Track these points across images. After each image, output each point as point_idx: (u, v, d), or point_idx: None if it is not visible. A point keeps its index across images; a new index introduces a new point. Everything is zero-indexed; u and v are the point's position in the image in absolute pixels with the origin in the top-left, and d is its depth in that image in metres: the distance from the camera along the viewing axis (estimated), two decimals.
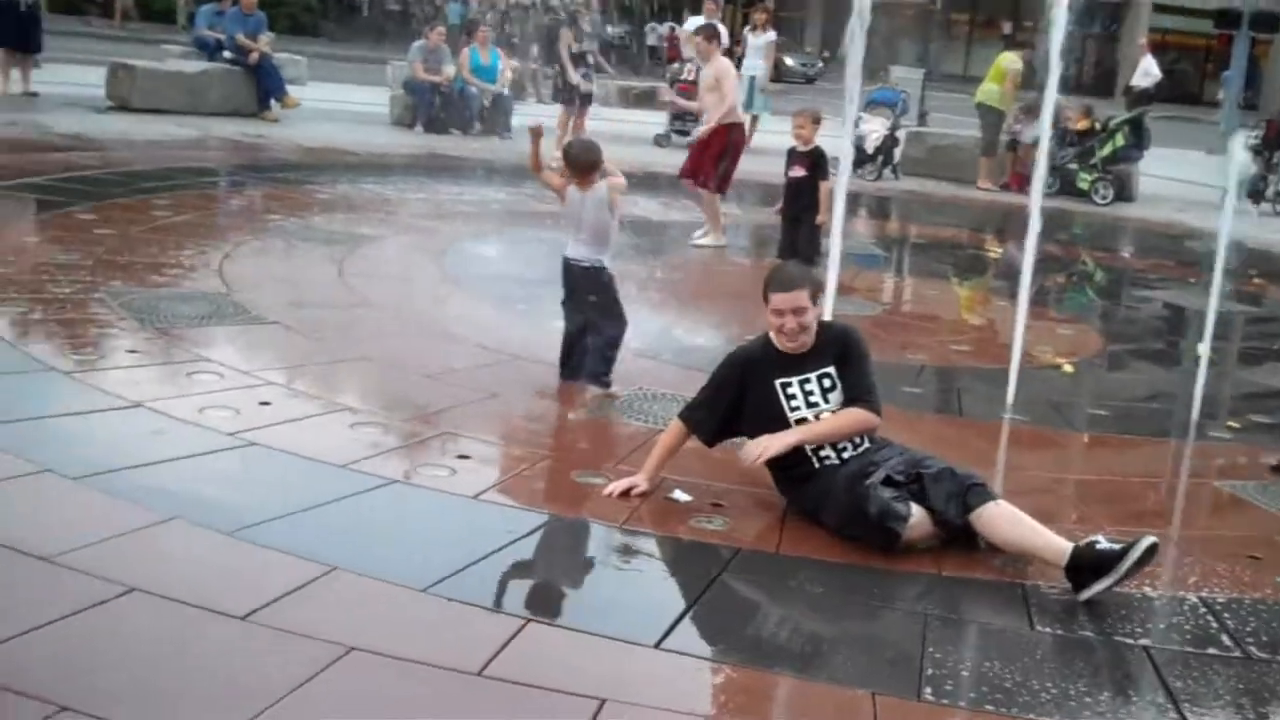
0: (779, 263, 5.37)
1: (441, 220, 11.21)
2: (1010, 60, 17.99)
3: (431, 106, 18.01)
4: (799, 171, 9.47)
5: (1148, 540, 4.49)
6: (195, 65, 17.37)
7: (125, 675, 3.44)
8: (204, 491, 4.73)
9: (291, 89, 17.94)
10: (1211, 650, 4.25)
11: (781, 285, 5.11)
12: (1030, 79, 17.77)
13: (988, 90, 18.00)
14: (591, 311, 6.56)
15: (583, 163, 6.52)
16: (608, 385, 6.53)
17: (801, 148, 9.51)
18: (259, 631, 3.73)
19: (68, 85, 17.15)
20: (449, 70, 18.14)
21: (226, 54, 17.29)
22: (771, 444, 5.02)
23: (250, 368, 6.38)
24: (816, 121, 9.60)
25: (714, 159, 11.29)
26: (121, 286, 7.62)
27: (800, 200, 9.46)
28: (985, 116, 17.97)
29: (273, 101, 17.44)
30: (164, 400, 5.68)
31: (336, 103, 19.09)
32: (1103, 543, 4.54)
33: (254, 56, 17.17)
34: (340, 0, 41.09)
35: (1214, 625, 4.45)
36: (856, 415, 5.10)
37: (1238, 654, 4.23)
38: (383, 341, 7.23)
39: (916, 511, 4.76)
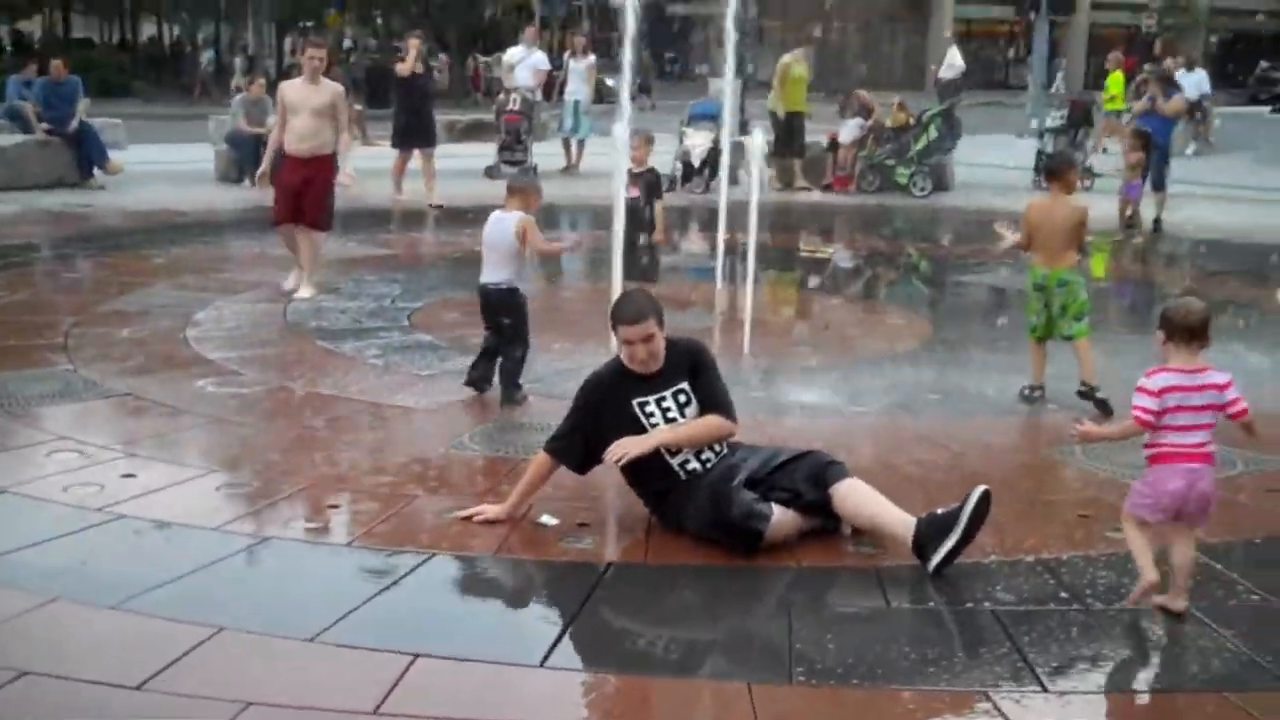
0: (622, 292, 5.58)
1: (279, 274, 11.22)
2: (783, 64, 18.64)
3: (257, 159, 17.84)
4: (634, 193, 9.67)
5: (979, 490, 4.88)
6: (9, 139, 17.03)
7: None
8: (82, 569, 4.80)
9: (113, 153, 17.68)
10: (1052, 605, 4.62)
11: (629, 318, 5.32)
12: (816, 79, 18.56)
13: (772, 96, 18.65)
14: (503, 332, 7.24)
15: (512, 187, 7.53)
16: (520, 398, 7.21)
17: (636, 169, 9.72)
18: (155, 699, 3.83)
19: None
20: (271, 121, 17.99)
21: (44, 125, 16.98)
22: (632, 446, 5.22)
23: (108, 441, 6.41)
24: (649, 142, 9.85)
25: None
26: None
27: (637, 221, 9.67)
28: (772, 120, 18.56)
29: (96, 169, 17.17)
30: (27, 483, 5.71)
31: (160, 163, 18.85)
32: (940, 511, 4.91)
33: (72, 125, 16.90)
34: (151, 59, 40.48)
35: (1053, 582, 4.83)
36: (715, 423, 5.35)
37: (1077, 607, 4.60)
38: (235, 401, 7.27)
39: (778, 510, 5.04)
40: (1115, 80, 21.74)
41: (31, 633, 4.27)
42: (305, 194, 10.07)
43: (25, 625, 4.31)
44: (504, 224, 7.24)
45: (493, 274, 7.25)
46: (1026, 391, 7.50)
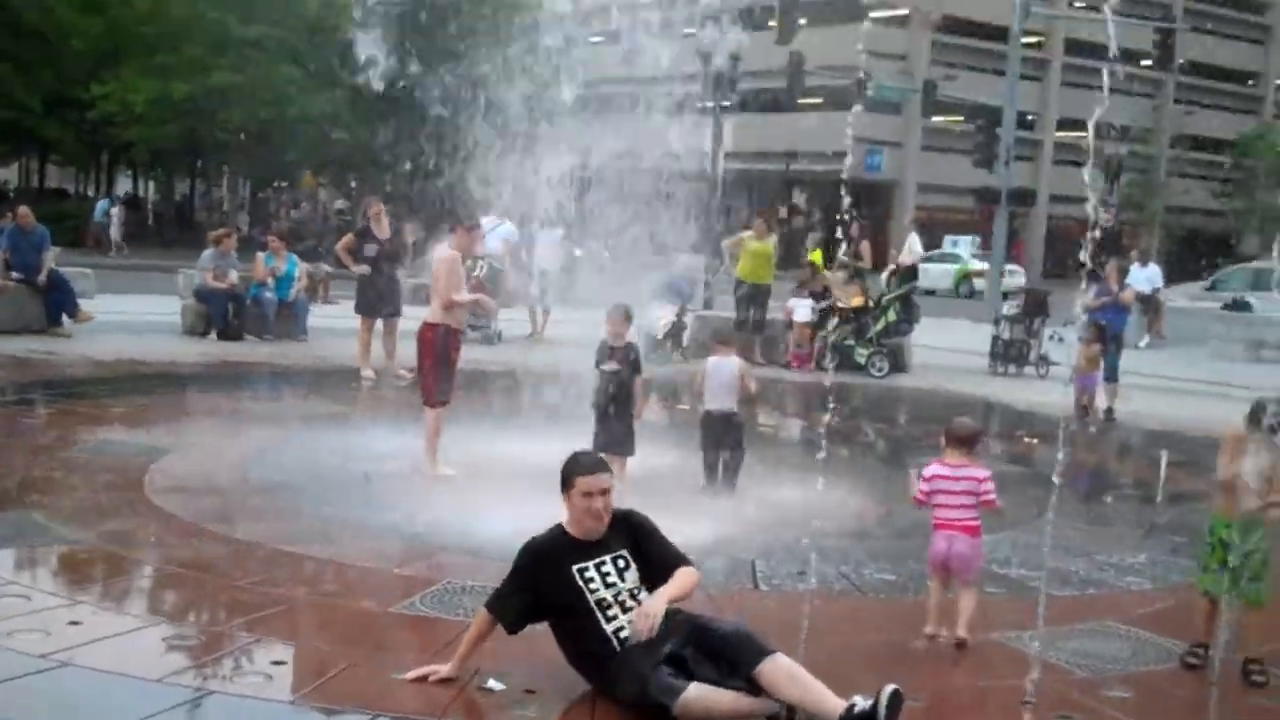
0: (573, 452, 5.70)
1: (240, 427, 11.26)
2: (738, 238, 19.38)
3: (225, 313, 17.98)
4: (614, 365, 9.80)
5: (889, 689, 4.97)
6: None
7: None
8: (21, 717, 4.75)
9: (82, 302, 17.79)
10: None
11: (589, 470, 5.51)
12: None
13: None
14: (724, 444, 9.68)
15: (728, 339, 10.55)
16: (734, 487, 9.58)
17: (615, 343, 9.87)
18: None
19: None
20: (233, 276, 18.16)
21: (14, 273, 17.10)
22: (654, 608, 5.32)
23: (56, 588, 6.41)
24: (628, 319, 10.02)
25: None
26: None
27: (615, 393, 9.79)
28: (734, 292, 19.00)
29: (64, 318, 17.25)
30: None
31: (127, 314, 18.93)
32: (860, 703, 4.97)
33: (42, 275, 17.04)
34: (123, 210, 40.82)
35: None
36: (690, 575, 5.60)
37: None
38: (190, 552, 7.24)
39: (696, 688, 5.07)
40: (815, 255, 22.18)
41: None
42: None
43: None
44: (729, 366, 9.70)
45: (719, 403, 9.64)
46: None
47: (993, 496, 6.40)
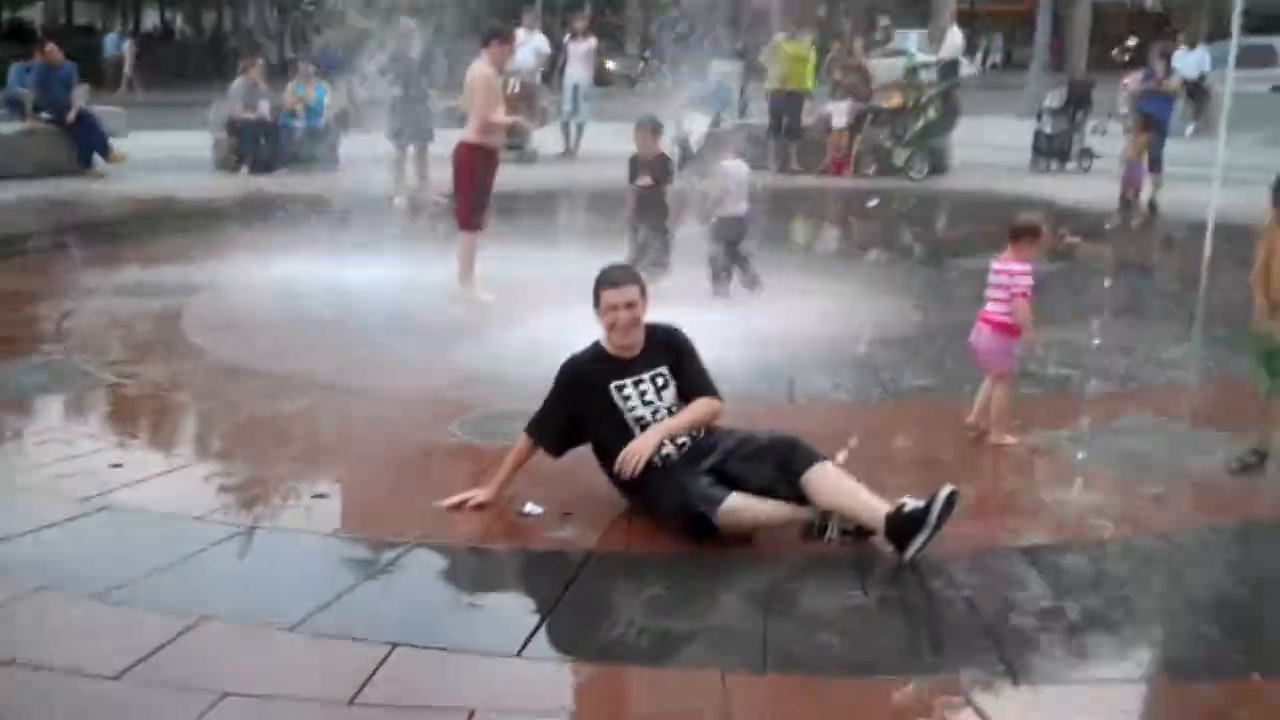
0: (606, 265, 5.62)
1: (274, 261, 11.23)
2: (774, 42, 18.67)
3: (257, 145, 17.87)
4: (647, 180, 9.70)
5: (946, 490, 4.91)
6: (9, 126, 17.05)
7: None
8: (66, 559, 4.83)
9: (113, 141, 17.69)
10: (1025, 593, 4.64)
11: (613, 282, 5.41)
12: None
13: (769, 76, 18.67)
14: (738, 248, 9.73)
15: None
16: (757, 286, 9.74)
17: (646, 157, 9.75)
18: (133, 689, 3.86)
19: None
20: (265, 106, 17.99)
21: (44, 114, 16.99)
22: (640, 448, 5.25)
23: (98, 431, 6.46)
24: (656, 132, 9.86)
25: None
26: None
27: (649, 208, 9.71)
28: (769, 101, 18.56)
29: (97, 157, 17.18)
30: (15, 474, 5.75)
31: (158, 151, 18.84)
32: (909, 503, 4.93)
33: (72, 114, 16.91)
34: (151, 46, 40.30)
35: (1029, 570, 4.85)
36: (709, 405, 5.43)
37: (1049, 601, 4.61)
38: (229, 389, 7.30)
39: (738, 497, 5.05)
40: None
41: (15, 622, 4.30)
42: None
43: (9, 615, 4.35)
44: (739, 168, 9.81)
45: (734, 207, 9.69)
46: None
47: (1022, 288, 6.19)
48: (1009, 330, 6.30)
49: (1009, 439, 6.36)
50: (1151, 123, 14.99)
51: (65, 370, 7.55)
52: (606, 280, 5.43)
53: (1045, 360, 7.75)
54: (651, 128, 9.82)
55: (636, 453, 5.24)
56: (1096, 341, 7.83)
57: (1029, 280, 6.21)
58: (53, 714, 3.74)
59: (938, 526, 4.84)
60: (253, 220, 13.33)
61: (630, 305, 5.37)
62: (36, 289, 10.04)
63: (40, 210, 14.23)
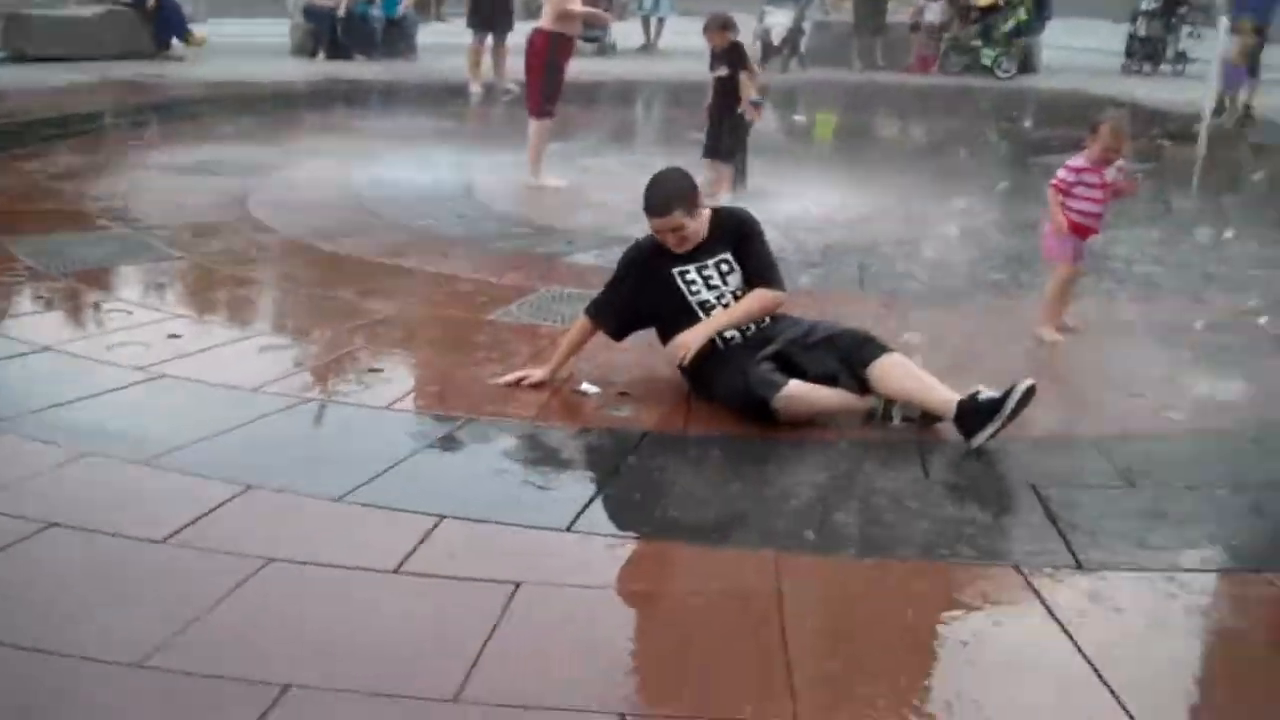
0: (653, 176, 5.39)
1: (346, 145, 11.16)
2: None
3: (333, 32, 17.76)
4: (723, 70, 9.55)
5: (1026, 383, 4.73)
6: (91, 9, 17.04)
7: (49, 602, 3.52)
8: (118, 425, 4.79)
9: (191, 26, 17.66)
10: (1093, 481, 4.49)
11: (655, 210, 5.20)
12: None
13: None
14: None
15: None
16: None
17: (720, 48, 9.59)
18: (180, 552, 3.81)
19: None
20: None
21: None
22: (690, 339, 5.15)
23: (158, 303, 6.43)
24: (725, 28, 9.63)
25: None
26: (27, 233, 7.59)
27: (725, 97, 9.56)
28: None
29: (176, 41, 17.15)
30: (73, 341, 5.72)
31: (235, 36, 18.83)
32: (984, 392, 4.75)
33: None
34: None
35: (1099, 459, 4.69)
36: (763, 296, 5.25)
37: (1119, 484, 4.45)
38: (292, 266, 7.27)
39: (796, 384, 4.91)
40: None
41: (63, 485, 4.26)
42: None
43: (57, 478, 4.31)
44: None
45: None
46: None
47: (1056, 179, 6.23)
48: (1067, 227, 6.25)
49: (1047, 332, 6.23)
50: (1256, 26, 14.41)
51: (131, 244, 7.54)
52: (650, 207, 5.23)
53: (1123, 259, 7.52)
54: (718, 26, 9.61)
55: (685, 344, 5.15)
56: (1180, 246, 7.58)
57: (1063, 172, 6.22)
58: (92, 574, 3.70)
59: (1011, 417, 4.69)
60: (325, 105, 13.27)
61: (675, 229, 5.19)
62: (109, 165, 10.05)
63: (117, 91, 14.23)
